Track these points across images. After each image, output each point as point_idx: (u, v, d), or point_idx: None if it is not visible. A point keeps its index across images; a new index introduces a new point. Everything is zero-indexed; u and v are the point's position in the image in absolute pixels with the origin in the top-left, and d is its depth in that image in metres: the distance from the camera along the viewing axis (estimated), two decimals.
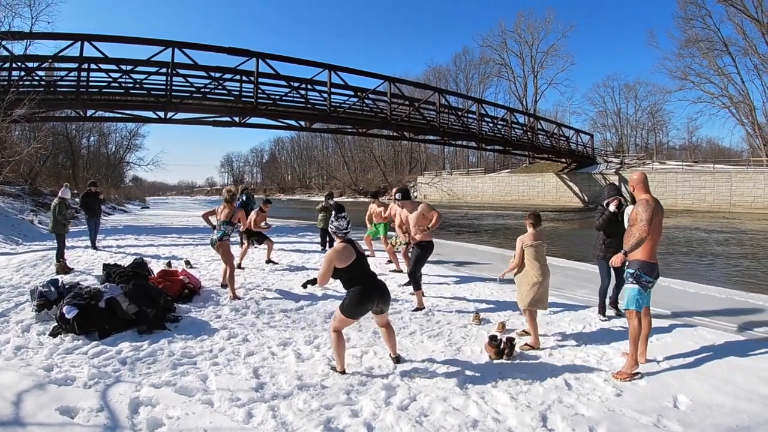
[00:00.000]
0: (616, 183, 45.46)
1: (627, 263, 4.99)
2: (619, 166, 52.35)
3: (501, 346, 5.43)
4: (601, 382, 4.76)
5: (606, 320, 6.99)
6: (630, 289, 4.94)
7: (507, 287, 8.81)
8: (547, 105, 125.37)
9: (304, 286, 5.38)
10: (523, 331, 6.26)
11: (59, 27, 63.32)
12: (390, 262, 11.35)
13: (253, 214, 11.76)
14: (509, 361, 5.33)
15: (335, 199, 15.70)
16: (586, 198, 50.86)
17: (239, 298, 7.98)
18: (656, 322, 5.36)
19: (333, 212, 13.66)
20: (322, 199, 15.23)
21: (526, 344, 5.82)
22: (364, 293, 4.79)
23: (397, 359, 5.22)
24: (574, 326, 6.72)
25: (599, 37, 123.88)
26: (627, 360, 4.77)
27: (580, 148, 54.98)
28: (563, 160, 54.00)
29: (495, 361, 5.34)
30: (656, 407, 4.26)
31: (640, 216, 4.80)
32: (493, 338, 5.54)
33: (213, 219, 8.72)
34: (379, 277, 5.14)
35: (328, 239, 14.36)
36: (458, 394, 4.46)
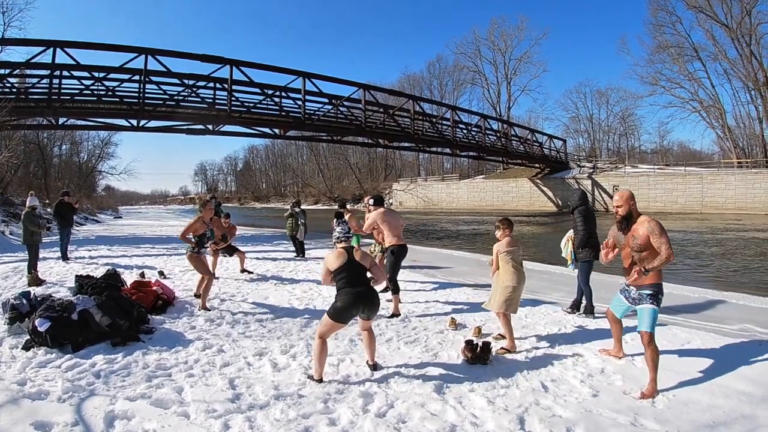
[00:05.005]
0: (589, 187, 46.18)
1: (639, 284, 4.83)
2: (591, 170, 53.04)
3: (477, 351, 5.45)
4: (577, 384, 4.82)
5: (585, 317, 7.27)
6: (652, 310, 4.74)
7: (482, 292, 8.87)
8: (521, 111, 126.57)
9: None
10: (499, 335, 6.29)
11: (32, 32, 62.54)
12: None
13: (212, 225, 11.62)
14: (486, 365, 5.36)
15: (303, 207, 15.73)
16: (559, 202, 51.47)
17: (208, 309, 7.88)
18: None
19: (302, 220, 13.70)
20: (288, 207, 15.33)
21: (502, 348, 5.85)
22: (350, 298, 4.83)
23: (374, 366, 5.21)
24: (549, 329, 6.79)
25: (571, 45, 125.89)
26: (649, 385, 4.66)
27: (553, 154, 55.77)
28: (537, 165, 54.69)
29: (472, 366, 5.35)
30: (633, 406, 4.32)
31: (661, 239, 4.61)
32: (469, 343, 5.56)
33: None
34: (370, 285, 5.16)
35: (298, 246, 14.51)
36: (436, 399, 4.46)
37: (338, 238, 5.28)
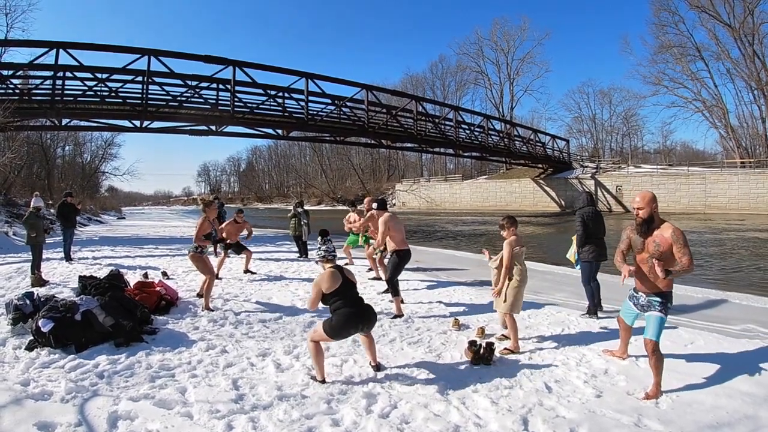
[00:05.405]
0: (592, 188, 46.12)
1: (648, 291, 4.79)
2: (594, 170, 52.96)
3: (480, 351, 5.44)
4: (581, 384, 4.81)
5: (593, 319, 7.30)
6: (659, 318, 4.66)
7: (485, 292, 8.85)
8: (523, 111, 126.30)
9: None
10: (503, 335, 6.29)
11: (34, 34, 62.82)
12: (370, 269, 11.34)
13: (225, 225, 11.75)
14: (489, 366, 5.35)
15: (306, 207, 15.77)
16: (563, 203, 51.42)
17: (211, 310, 7.89)
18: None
19: (305, 220, 13.69)
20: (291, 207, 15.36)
21: (505, 348, 5.84)
22: (348, 318, 4.79)
23: (378, 367, 5.21)
24: (553, 329, 6.78)
25: (573, 45, 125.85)
26: (653, 387, 4.59)
27: (556, 154, 55.64)
28: (540, 165, 54.62)
29: (475, 366, 5.35)
30: (636, 407, 4.32)
31: (684, 249, 4.49)
32: (472, 343, 5.55)
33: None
34: (366, 302, 5.14)
35: (302, 248, 14.53)
36: (439, 400, 4.46)
37: (324, 257, 5.17)
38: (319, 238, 5.49)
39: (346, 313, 4.79)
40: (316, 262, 5.33)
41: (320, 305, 5.00)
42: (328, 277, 4.90)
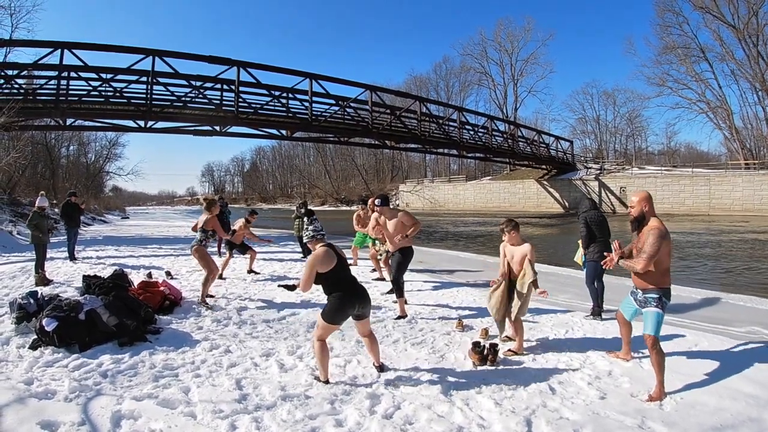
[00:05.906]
0: (596, 189, 46.03)
1: (644, 288, 4.80)
2: (598, 171, 52.83)
3: (484, 353, 5.43)
4: (584, 386, 4.80)
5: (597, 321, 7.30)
6: (656, 314, 4.67)
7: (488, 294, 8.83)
8: (527, 112, 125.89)
9: (290, 288, 5.37)
10: (506, 336, 6.27)
11: (39, 34, 63.06)
12: (374, 270, 11.32)
13: (239, 222, 11.77)
14: (493, 367, 5.34)
15: (309, 207, 15.77)
16: (566, 204, 51.27)
17: (207, 306, 7.96)
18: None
19: (305, 219, 13.76)
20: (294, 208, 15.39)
21: (509, 350, 5.83)
22: (344, 298, 4.78)
23: (381, 368, 5.20)
24: (556, 331, 6.77)
25: (577, 46, 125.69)
26: (656, 387, 4.61)
27: (560, 155, 55.49)
28: (544, 166, 54.49)
29: (479, 368, 5.34)
30: (640, 408, 4.31)
31: (651, 247, 4.54)
32: (476, 344, 5.54)
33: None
34: (359, 282, 5.12)
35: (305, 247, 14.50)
36: (443, 401, 4.45)
37: (314, 236, 5.10)
38: (306, 219, 5.44)
39: (341, 295, 4.79)
40: (306, 243, 5.26)
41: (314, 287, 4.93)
42: (323, 256, 4.83)
